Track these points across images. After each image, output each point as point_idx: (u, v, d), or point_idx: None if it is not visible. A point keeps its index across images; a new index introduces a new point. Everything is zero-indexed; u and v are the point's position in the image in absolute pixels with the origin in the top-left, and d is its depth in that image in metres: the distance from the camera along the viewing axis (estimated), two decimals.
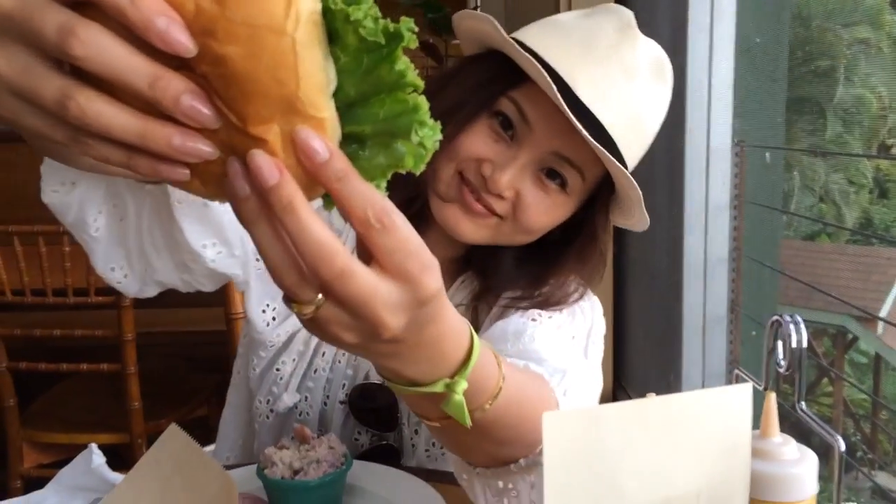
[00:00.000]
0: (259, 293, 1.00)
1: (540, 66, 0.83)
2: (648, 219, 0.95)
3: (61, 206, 0.78)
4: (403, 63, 0.40)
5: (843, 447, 0.60)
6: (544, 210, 0.91)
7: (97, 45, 0.39)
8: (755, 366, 0.77)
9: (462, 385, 0.56)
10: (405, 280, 0.47)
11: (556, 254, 0.98)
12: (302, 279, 0.45)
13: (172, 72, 0.40)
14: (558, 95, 0.82)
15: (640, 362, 1.99)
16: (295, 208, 0.42)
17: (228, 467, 0.94)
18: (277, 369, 1.03)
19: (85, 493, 0.90)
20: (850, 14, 1.93)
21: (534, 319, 0.94)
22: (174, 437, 0.72)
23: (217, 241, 0.82)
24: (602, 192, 0.95)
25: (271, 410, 1.04)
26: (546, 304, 0.97)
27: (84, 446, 0.95)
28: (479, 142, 0.90)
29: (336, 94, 0.41)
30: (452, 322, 0.55)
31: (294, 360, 1.03)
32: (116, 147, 0.42)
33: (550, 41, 0.88)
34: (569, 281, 0.99)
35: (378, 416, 1.02)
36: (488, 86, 0.90)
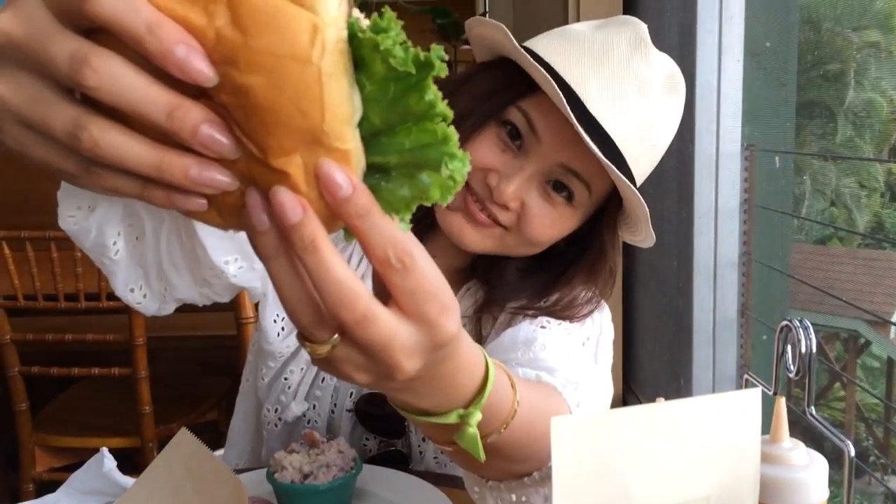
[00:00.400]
0: (273, 303, 1.01)
1: (550, 77, 0.82)
2: (654, 236, 0.94)
3: (79, 231, 0.77)
4: (433, 93, 0.39)
5: (852, 452, 0.60)
6: (550, 222, 0.90)
7: (111, 74, 0.37)
8: (766, 370, 0.77)
9: (476, 416, 0.55)
10: (423, 323, 0.45)
11: (563, 267, 0.97)
12: (318, 319, 0.44)
13: (190, 101, 0.38)
14: (567, 106, 0.81)
15: (649, 366, 1.99)
16: (318, 248, 0.40)
17: (238, 471, 0.94)
18: (286, 378, 1.03)
19: (96, 497, 0.91)
20: (859, 18, 1.92)
21: (543, 327, 0.93)
22: (185, 440, 0.72)
23: (239, 257, 0.82)
24: (609, 207, 0.94)
25: (279, 419, 1.04)
26: (554, 314, 0.96)
27: (95, 450, 0.95)
28: (486, 151, 0.89)
29: (361, 124, 0.39)
30: (468, 354, 0.53)
31: (302, 369, 1.03)
32: (130, 178, 0.41)
33: (562, 52, 0.87)
34: (578, 292, 0.98)
35: (385, 424, 1.02)
36: (498, 94, 0.90)
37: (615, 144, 0.85)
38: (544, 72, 0.82)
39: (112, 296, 2.16)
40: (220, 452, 1.22)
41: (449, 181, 0.40)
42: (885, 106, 2.00)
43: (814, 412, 0.62)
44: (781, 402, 0.63)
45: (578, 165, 0.88)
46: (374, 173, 0.41)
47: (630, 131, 0.86)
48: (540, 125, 0.87)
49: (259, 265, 0.83)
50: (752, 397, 0.52)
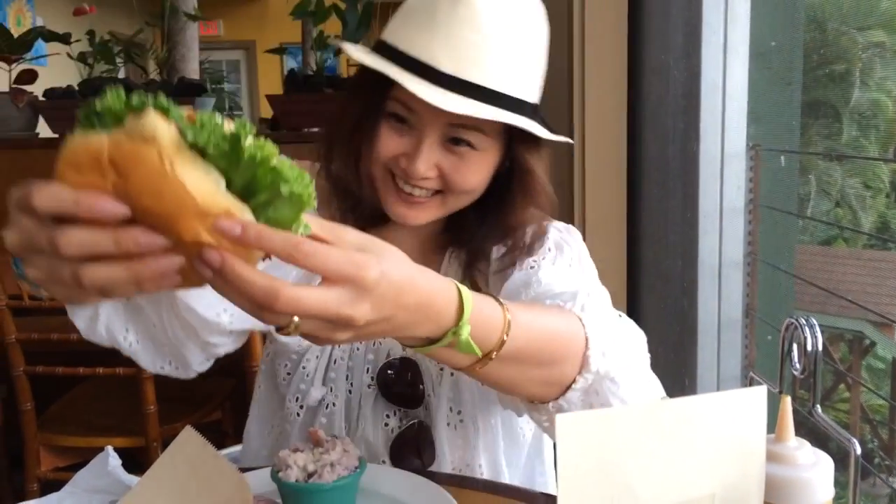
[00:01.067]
0: None
1: (393, 67, 0.93)
2: (568, 139, 1.02)
3: (94, 336, 0.96)
4: (252, 148, 0.55)
5: (858, 450, 0.60)
6: (469, 171, 0.98)
7: (73, 242, 0.54)
8: (771, 371, 0.77)
9: (465, 329, 0.70)
10: (345, 280, 0.60)
11: (508, 197, 1.04)
12: (272, 313, 0.59)
13: (124, 227, 0.54)
14: (411, 83, 0.90)
15: (654, 366, 1.98)
16: (238, 273, 0.56)
17: (243, 470, 0.94)
18: (303, 367, 1.09)
19: (101, 496, 0.91)
20: (864, 18, 1.92)
21: (532, 267, 1.02)
22: (189, 439, 0.72)
23: (227, 306, 0.93)
24: (514, 130, 0.99)
25: (301, 406, 1.09)
26: (530, 249, 1.05)
27: (100, 449, 0.96)
28: (387, 142, 0.98)
29: (229, 187, 0.55)
30: (433, 285, 0.68)
31: (317, 356, 1.08)
32: (113, 269, 0.56)
33: (402, 31, 0.97)
34: (533, 217, 1.06)
35: (404, 393, 1.07)
36: (373, 94, 0.99)
37: (486, 87, 0.93)
38: (386, 65, 0.93)
39: None
40: (226, 451, 1.23)
41: (298, 196, 0.57)
42: (891, 106, 1.99)
43: (819, 411, 0.62)
44: (787, 401, 0.62)
45: (460, 120, 0.94)
46: (263, 209, 0.57)
47: (491, 67, 0.93)
48: (414, 104, 0.95)
49: None
50: (759, 395, 0.52)
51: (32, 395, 2.27)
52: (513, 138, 1.01)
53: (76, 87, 3.43)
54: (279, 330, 0.61)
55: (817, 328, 0.60)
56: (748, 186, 1.69)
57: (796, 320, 0.61)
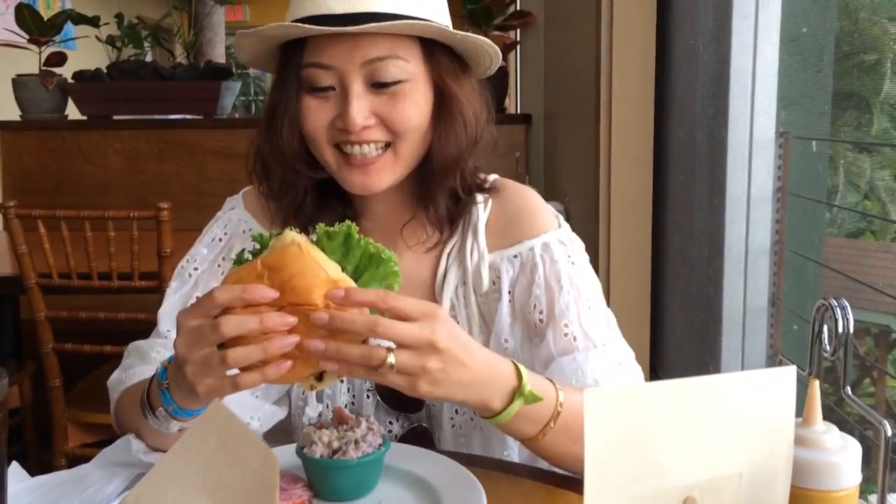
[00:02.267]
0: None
1: (288, 24, 0.95)
2: (497, 53, 1.02)
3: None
4: (359, 241, 0.80)
5: (889, 432, 0.59)
6: (405, 106, 0.98)
7: (234, 322, 0.76)
8: (797, 361, 0.77)
9: (526, 386, 0.85)
10: (423, 314, 0.79)
11: (437, 128, 1.03)
12: (371, 355, 0.77)
13: (267, 309, 0.76)
14: (306, 28, 0.93)
15: (678, 354, 1.97)
16: (344, 317, 0.76)
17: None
18: (298, 385, 1.07)
19: (128, 469, 0.92)
20: None
21: (575, 343, 1.02)
22: (217, 412, 0.73)
23: (256, 413, 1.05)
24: (437, 55, 1.01)
25: (303, 423, 1.09)
26: (481, 189, 1.09)
27: None
28: (315, 115, 0.99)
29: (344, 269, 0.80)
30: (491, 354, 0.86)
31: None
32: (250, 348, 0.76)
33: (295, 3, 0.99)
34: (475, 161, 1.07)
35: (404, 398, 1.05)
36: (286, 73, 1.00)
37: (381, 12, 0.94)
38: (283, 24, 0.95)
39: (144, 275, 2.20)
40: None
41: (393, 272, 0.81)
42: None
43: (849, 392, 0.62)
44: (815, 385, 0.62)
45: (372, 52, 0.96)
46: (366, 284, 0.81)
47: None
48: (322, 57, 0.97)
49: (268, 405, 1.08)
50: (788, 375, 0.52)
51: (61, 372, 2.31)
52: (436, 68, 1.01)
53: (104, 70, 3.46)
54: (372, 370, 0.78)
55: (849, 310, 0.59)
56: (776, 174, 1.66)
57: (827, 302, 0.60)
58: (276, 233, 0.81)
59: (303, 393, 1.09)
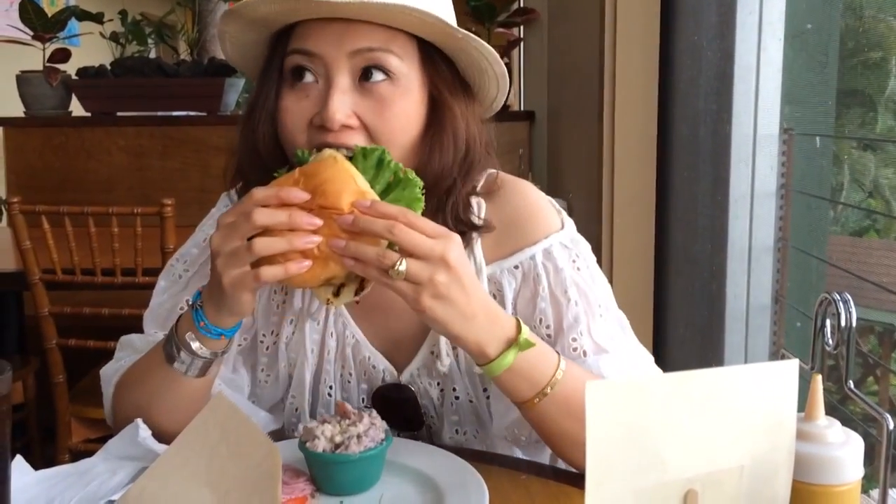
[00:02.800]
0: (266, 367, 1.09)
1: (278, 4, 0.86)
2: (504, 74, 0.94)
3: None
4: (392, 164, 0.86)
5: (892, 425, 0.59)
6: (390, 111, 0.89)
7: (266, 213, 0.80)
8: (800, 357, 0.77)
9: (523, 336, 0.85)
10: (439, 234, 0.81)
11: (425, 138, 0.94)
12: (386, 257, 0.79)
13: (297, 209, 0.81)
14: (288, 5, 0.85)
15: (681, 351, 1.97)
16: (366, 217, 0.81)
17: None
18: (291, 402, 1.07)
19: (133, 462, 0.92)
20: None
21: (585, 358, 0.97)
22: (221, 404, 0.73)
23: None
24: (435, 62, 0.93)
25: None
26: (473, 226, 0.97)
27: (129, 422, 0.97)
28: (293, 109, 0.90)
29: (373, 186, 0.84)
30: (492, 300, 0.88)
31: (301, 392, 1.06)
32: (275, 239, 0.80)
33: None
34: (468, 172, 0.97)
35: (404, 415, 1.04)
36: (269, 65, 0.94)
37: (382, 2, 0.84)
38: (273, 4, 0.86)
39: (148, 271, 2.20)
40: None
41: (418, 199, 0.86)
42: None
43: (852, 386, 0.62)
44: (817, 380, 0.62)
45: (363, 42, 0.88)
46: (394, 202, 0.85)
47: None
48: (309, 42, 0.89)
49: (262, 412, 1.07)
50: (790, 368, 0.52)
51: (64, 367, 2.31)
52: (432, 74, 0.93)
53: (108, 67, 3.47)
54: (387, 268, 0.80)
55: (851, 304, 0.59)
56: (780, 170, 1.66)
57: (830, 296, 0.60)
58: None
59: (296, 410, 1.06)
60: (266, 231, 0.81)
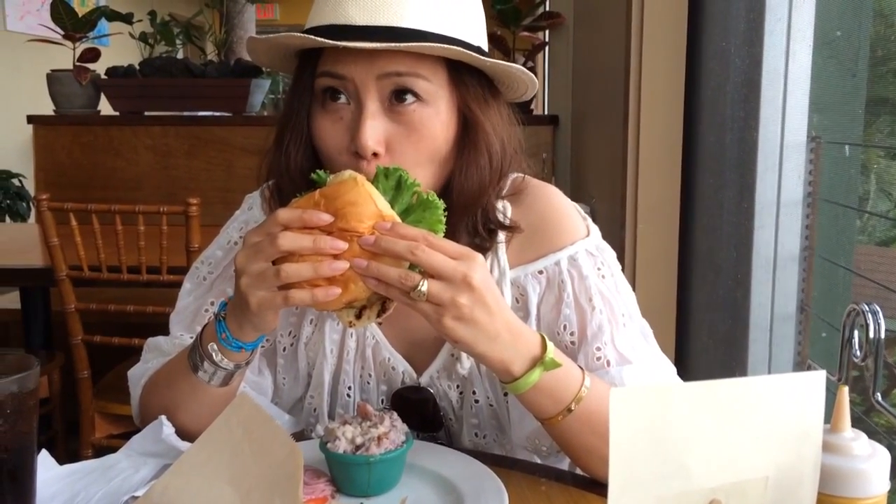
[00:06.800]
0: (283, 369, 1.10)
1: (301, 34, 0.88)
2: (533, 81, 0.95)
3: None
4: (409, 184, 0.85)
5: None
6: (420, 139, 0.90)
7: (290, 238, 0.80)
8: (825, 368, 0.76)
9: (549, 355, 0.85)
10: (462, 255, 0.81)
11: (458, 158, 0.96)
12: (407, 278, 0.80)
13: (320, 233, 0.81)
14: (319, 40, 0.86)
15: (703, 360, 1.95)
16: (388, 239, 0.80)
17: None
18: (309, 402, 1.08)
19: (156, 459, 0.93)
20: None
21: (608, 368, 0.96)
22: (244, 404, 0.74)
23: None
24: (464, 78, 0.93)
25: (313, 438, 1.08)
26: (500, 225, 0.99)
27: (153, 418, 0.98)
28: (330, 134, 0.91)
29: (393, 207, 0.84)
30: (517, 319, 0.87)
31: (320, 393, 1.07)
32: (302, 265, 0.80)
33: (315, 9, 0.93)
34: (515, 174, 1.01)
35: (423, 416, 1.04)
36: (299, 81, 0.94)
37: (403, 27, 0.87)
38: (295, 34, 0.88)
39: (172, 269, 2.22)
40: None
41: (439, 221, 0.85)
42: None
43: (879, 399, 0.61)
44: (844, 391, 0.61)
45: (392, 66, 0.88)
46: (414, 224, 0.84)
47: (406, 8, 0.88)
48: (338, 67, 0.90)
49: (286, 416, 1.09)
50: (817, 379, 0.51)
51: (89, 363, 2.34)
52: (462, 93, 0.93)
53: (137, 67, 3.51)
54: (407, 293, 0.80)
55: (880, 315, 0.59)
56: (807, 179, 1.65)
57: (858, 307, 0.59)
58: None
59: (314, 410, 1.07)
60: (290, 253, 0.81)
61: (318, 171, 0.88)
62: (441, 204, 0.85)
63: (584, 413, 0.87)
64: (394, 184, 0.85)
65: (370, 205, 0.82)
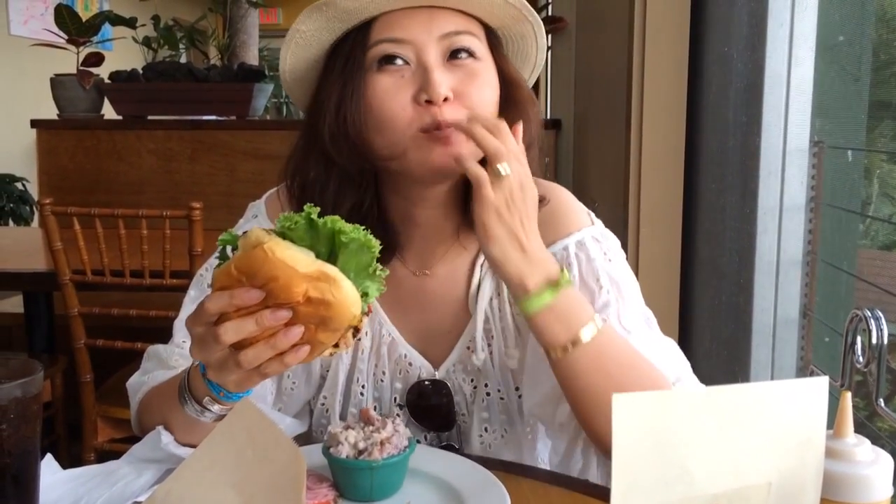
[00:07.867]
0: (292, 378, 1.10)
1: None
2: (542, 46, 1.05)
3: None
4: (321, 221, 0.76)
5: None
6: (480, 82, 0.96)
7: (231, 329, 0.76)
8: (828, 373, 0.76)
9: (564, 277, 0.90)
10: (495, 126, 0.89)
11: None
12: (500, 148, 0.88)
13: (261, 309, 0.75)
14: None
15: (706, 365, 1.95)
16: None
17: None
18: (322, 403, 1.08)
19: (158, 465, 0.93)
20: None
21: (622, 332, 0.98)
22: (246, 409, 0.74)
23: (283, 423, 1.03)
24: (498, 47, 1.02)
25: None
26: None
27: None
28: (393, 93, 0.94)
29: (319, 256, 0.76)
30: (543, 247, 0.92)
31: (333, 393, 1.07)
32: (259, 348, 0.76)
33: None
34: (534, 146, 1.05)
35: (436, 415, 1.05)
36: (348, 60, 0.96)
37: None
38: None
39: (175, 273, 2.22)
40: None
41: (366, 244, 0.77)
42: None
43: (882, 404, 0.61)
44: (847, 397, 0.61)
45: (450, 26, 0.95)
46: (347, 261, 0.77)
47: None
48: (396, 32, 0.94)
49: (288, 419, 1.07)
50: (820, 385, 0.51)
51: (92, 367, 2.34)
52: (500, 57, 1.01)
53: (140, 71, 3.52)
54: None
55: (883, 321, 0.59)
56: (810, 183, 1.65)
57: (861, 313, 0.59)
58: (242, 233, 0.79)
59: (326, 411, 1.08)
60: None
61: (227, 232, 0.81)
62: (374, 243, 0.77)
63: (595, 350, 0.90)
64: (304, 228, 0.77)
65: (290, 271, 0.74)
